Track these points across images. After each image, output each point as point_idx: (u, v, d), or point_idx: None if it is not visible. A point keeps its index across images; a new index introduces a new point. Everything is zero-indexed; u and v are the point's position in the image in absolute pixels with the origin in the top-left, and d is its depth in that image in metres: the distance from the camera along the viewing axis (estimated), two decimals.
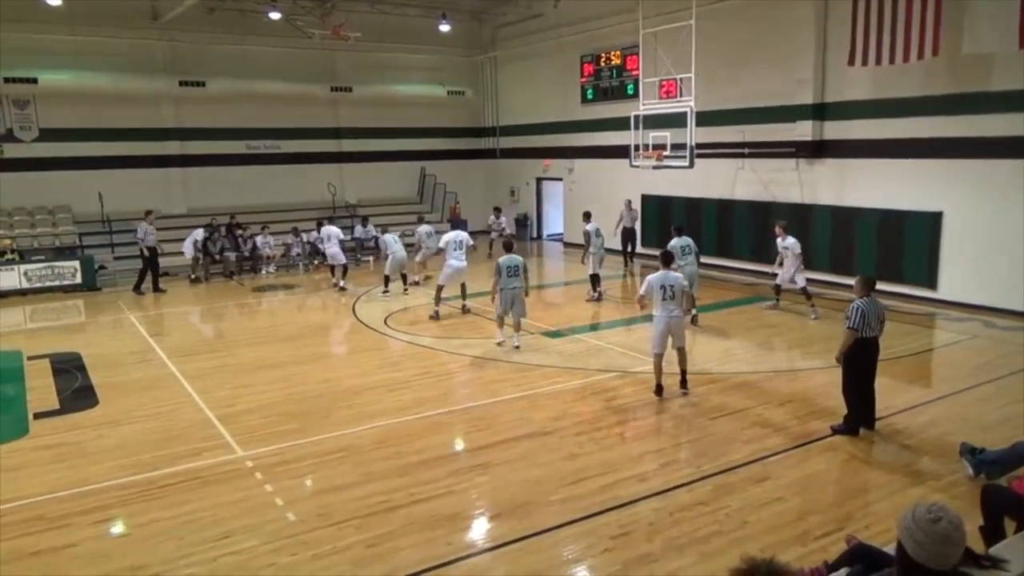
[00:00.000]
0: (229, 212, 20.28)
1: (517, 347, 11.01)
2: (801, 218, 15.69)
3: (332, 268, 16.86)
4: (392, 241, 15.54)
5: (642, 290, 8.72)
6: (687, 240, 12.59)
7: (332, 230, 16.79)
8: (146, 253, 16.51)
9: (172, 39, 20.26)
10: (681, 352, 8.79)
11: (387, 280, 15.71)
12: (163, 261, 18.92)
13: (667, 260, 9.03)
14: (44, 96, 18.94)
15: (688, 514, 5.88)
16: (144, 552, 5.47)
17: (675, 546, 5.39)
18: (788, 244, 12.69)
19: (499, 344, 11.21)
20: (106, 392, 9.42)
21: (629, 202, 18.85)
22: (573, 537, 5.58)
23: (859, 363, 7.32)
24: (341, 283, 16.42)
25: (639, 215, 19.06)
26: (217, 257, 18.87)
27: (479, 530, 5.85)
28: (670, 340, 8.66)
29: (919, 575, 3.01)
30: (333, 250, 16.53)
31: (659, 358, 8.70)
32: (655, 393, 8.73)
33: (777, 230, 13.03)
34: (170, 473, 6.88)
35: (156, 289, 16.72)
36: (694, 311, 13.11)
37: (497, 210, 21.90)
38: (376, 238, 20.60)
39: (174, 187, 21.16)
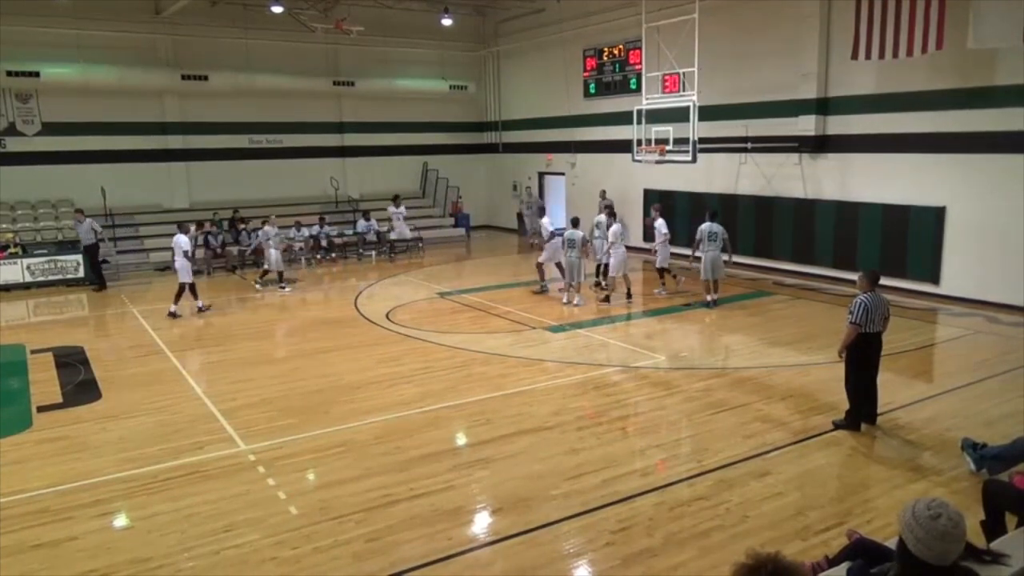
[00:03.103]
0: (232, 206, 20.32)
1: (567, 303, 13.53)
2: (804, 213, 15.67)
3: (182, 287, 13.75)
4: (271, 235, 15.90)
5: (551, 243, 14.41)
6: (717, 228, 13.12)
7: (179, 240, 13.70)
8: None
9: (175, 33, 20.24)
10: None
11: (265, 273, 16.20)
12: (168, 256, 18.95)
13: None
14: (47, 90, 18.95)
15: (688, 509, 5.88)
16: (147, 545, 5.50)
17: (675, 541, 5.40)
18: (657, 225, 14.02)
19: (564, 303, 13.58)
20: (109, 386, 9.45)
21: (603, 192, 19.59)
22: (573, 531, 5.60)
23: (861, 358, 7.32)
24: (174, 308, 13.44)
25: (613, 203, 18.82)
26: (219, 251, 18.91)
27: (480, 524, 5.86)
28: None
29: (919, 570, 3.02)
30: (178, 263, 13.67)
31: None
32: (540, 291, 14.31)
33: (653, 212, 14.44)
34: (172, 467, 6.91)
35: (92, 284, 16.40)
36: (711, 297, 13.17)
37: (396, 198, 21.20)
38: (371, 231, 20.59)
39: (177, 181, 21.20)
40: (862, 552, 3.99)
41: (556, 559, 5.29)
